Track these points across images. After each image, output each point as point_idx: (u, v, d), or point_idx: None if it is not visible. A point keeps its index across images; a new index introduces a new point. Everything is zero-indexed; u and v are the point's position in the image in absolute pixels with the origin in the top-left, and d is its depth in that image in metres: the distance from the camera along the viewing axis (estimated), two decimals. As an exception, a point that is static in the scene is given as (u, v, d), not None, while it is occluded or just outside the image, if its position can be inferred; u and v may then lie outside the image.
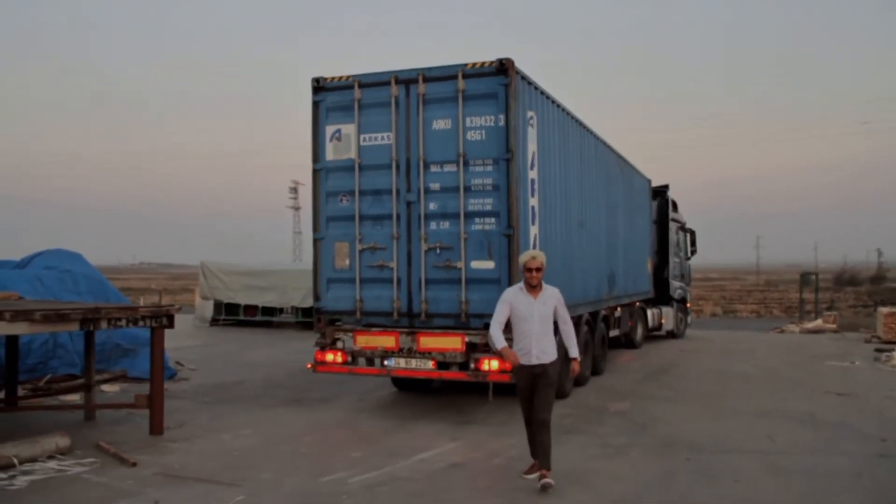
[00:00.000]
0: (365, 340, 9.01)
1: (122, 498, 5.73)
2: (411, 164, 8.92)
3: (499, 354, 6.70)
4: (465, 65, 8.70)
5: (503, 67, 8.52)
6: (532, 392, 6.24)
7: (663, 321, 18.74)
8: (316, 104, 9.30)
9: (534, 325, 6.19)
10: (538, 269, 6.28)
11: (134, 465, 6.60)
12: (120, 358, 11.65)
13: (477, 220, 8.66)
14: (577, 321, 10.85)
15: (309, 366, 9.43)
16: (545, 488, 5.96)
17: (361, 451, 7.28)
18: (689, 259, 21.28)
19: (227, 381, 11.82)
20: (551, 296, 6.37)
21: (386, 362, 8.91)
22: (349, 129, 9.16)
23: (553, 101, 10.22)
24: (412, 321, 8.83)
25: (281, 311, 23.06)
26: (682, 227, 20.61)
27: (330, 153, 9.27)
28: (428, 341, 8.64)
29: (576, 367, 6.70)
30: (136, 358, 12.07)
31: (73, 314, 6.79)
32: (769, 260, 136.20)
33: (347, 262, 9.15)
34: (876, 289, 52.59)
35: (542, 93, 9.76)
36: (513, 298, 6.33)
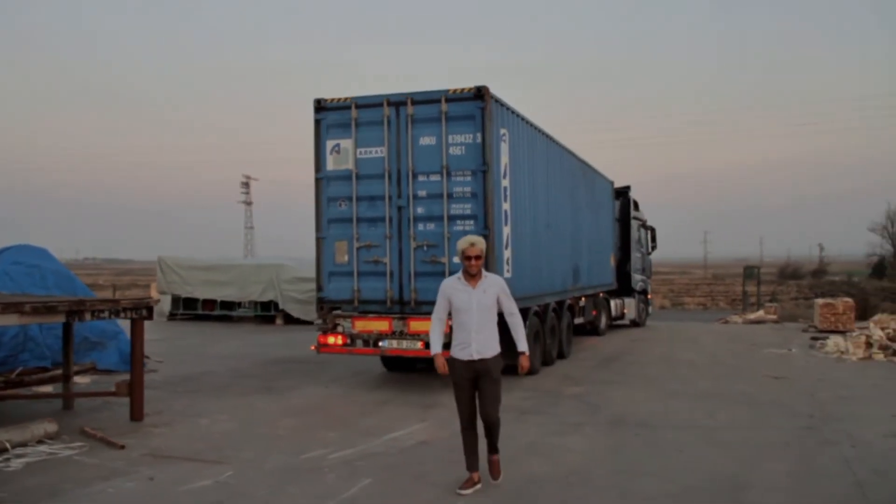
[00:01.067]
0: (362, 325, 10.29)
1: (117, 476, 6.13)
2: (402, 174, 10.23)
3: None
4: (448, 90, 10.06)
5: (480, 93, 9.91)
6: (473, 390, 5.79)
7: (626, 311, 20.21)
8: (318, 121, 10.59)
9: (472, 316, 5.71)
10: (477, 257, 5.77)
11: (122, 447, 7.00)
12: (88, 351, 11.87)
13: (458, 222, 10.01)
14: (544, 310, 12.39)
15: (312, 347, 10.67)
16: (495, 473, 5.90)
17: (336, 432, 7.78)
18: (649, 254, 22.80)
19: (196, 373, 12.15)
20: (492, 284, 5.87)
21: (380, 343, 10.20)
22: (347, 143, 10.47)
23: (522, 119, 11.55)
24: (403, 308, 10.16)
25: (239, 305, 23.26)
26: (643, 225, 22.09)
27: (330, 164, 10.55)
28: (417, 325, 9.91)
29: (524, 361, 6.00)
30: (104, 351, 12.32)
31: (60, 306, 7.15)
32: (717, 255, 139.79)
33: (346, 257, 10.46)
34: (817, 282, 54.61)
35: (513, 112, 11.08)
36: (450, 290, 5.85)
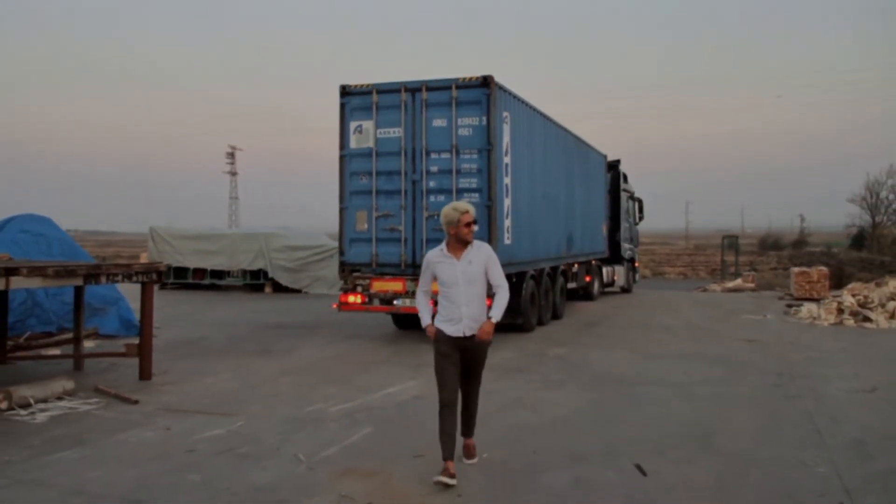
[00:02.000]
0: (379, 285, 11.44)
1: (135, 427, 6.60)
2: (416, 152, 11.44)
3: None
4: (458, 78, 11.27)
5: (486, 81, 11.10)
6: (458, 367, 5.31)
7: (616, 278, 21.40)
8: (343, 105, 11.82)
9: (459, 289, 5.25)
10: (472, 224, 5.35)
11: (136, 402, 7.46)
12: (90, 317, 12.24)
13: (465, 194, 11.08)
14: (539, 274, 13.82)
15: (335, 306, 11.99)
16: (470, 457, 5.61)
17: (334, 388, 8.28)
18: (637, 224, 23.91)
19: (194, 338, 12.59)
20: (479, 254, 5.37)
21: (395, 302, 11.39)
22: (368, 124, 11.66)
23: (523, 102, 12.71)
24: (416, 270, 10.58)
25: (228, 274, 23.63)
26: (632, 196, 23.21)
27: (353, 143, 11.74)
28: None
29: (487, 326, 5.28)
30: (105, 317, 12.73)
31: (79, 269, 7.57)
32: (698, 225, 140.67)
33: (366, 225, 11.65)
34: (796, 252, 55.43)
35: (515, 97, 12.24)
36: (434, 263, 5.41)
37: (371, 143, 11.55)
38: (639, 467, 5.45)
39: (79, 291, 9.32)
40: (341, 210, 11.86)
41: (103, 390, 7.90)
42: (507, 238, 11.70)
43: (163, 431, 6.45)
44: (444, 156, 11.29)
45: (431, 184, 11.32)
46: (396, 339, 12.27)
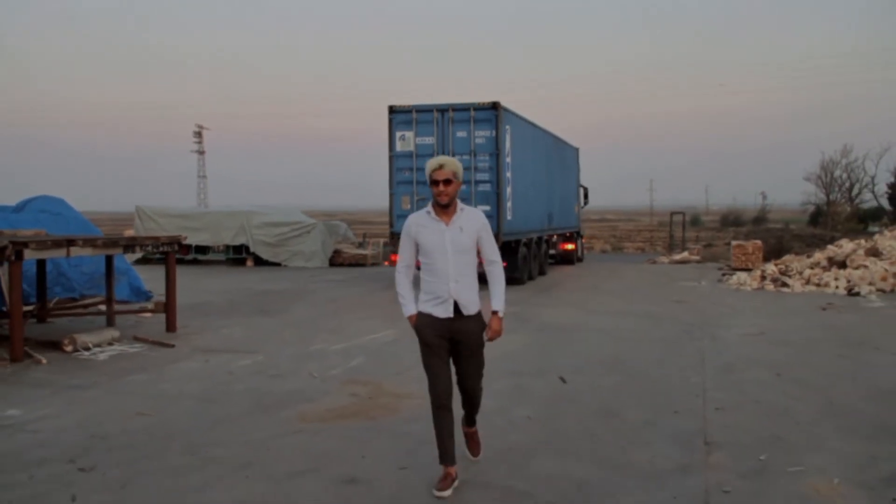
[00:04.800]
0: None
1: (180, 361, 8.50)
2: (445, 154, 16.31)
3: None
4: (475, 103, 16.09)
5: (495, 106, 16.01)
6: (448, 356, 4.55)
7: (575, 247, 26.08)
8: (390, 119, 16.38)
9: (447, 260, 4.42)
10: (446, 182, 4.46)
11: (172, 346, 9.34)
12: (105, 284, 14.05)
13: (480, 185, 16.10)
14: (529, 242, 18.49)
15: (386, 263, 16.15)
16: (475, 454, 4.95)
17: (329, 335, 10.23)
18: (583, 208, 28.25)
19: (197, 302, 14.40)
20: (473, 220, 4.55)
21: None
22: (409, 134, 16.25)
23: (518, 117, 17.64)
24: None
25: (210, 249, 25.33)
26: (580, 185, 27.36)
27: (398, 147, 16.27)
28: None
29: (495, 324, 4.58)
30: (118, 285, 14.45)
31: (120, 241, 9.42)
32: (663, 202, 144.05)
33: (409, 206, 15.81)
34: (755, 229, 58.06)
35: (514, 114, 17.22)
36: (415, 227, 4.56)
37: (411, 147, 16.02)
38: (561, 378, 7.50)
39: (109, 260, 11.09)
40: (391, 195, 16.29)
41: (142, 338, 9.76)
42: (509, 215, 16.46)
43: (203, 363, 8.37)
44: (465, 157, 15.81)
45: None
46: (375, 301, 14.23)
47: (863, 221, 51.62)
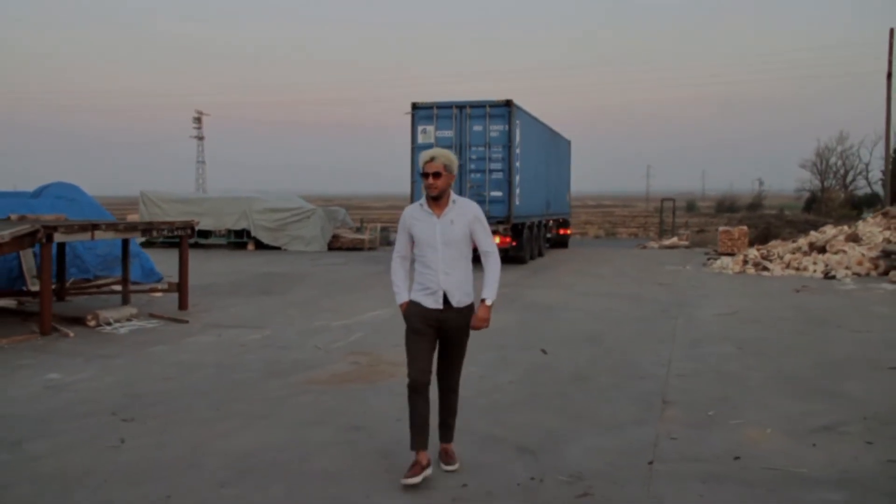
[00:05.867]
0: None
1: (194, 335, 9.28)
2: (462, 146, 18.24)
3: None
4: (490, 101, 18.34)
5: (508, 103, 18.27)
6: (433, 343, 4.55)
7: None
8: (413, 115, 18.41)
9: (437, 252, 4.48)
10: (436, 175, 4.49)
11: (186, 322, 10.12)
12: (117, 266, 14.72)
13: (493, 173, 18.31)
14: (531, 225, 20.57)
15: None
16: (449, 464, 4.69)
17: (330, 313, 11.02)
18: None
19: (204, 284, 15.12)
20: (465, 212, 4.59)
21: None
22: (430, 128, 18.24)
23: (527, 113, 19.93)
24: None
25: (212, 233, 26.08)
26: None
27: (420, 139, 18.13)
28: None
29: (483, 312, 4.55)
30: (131, 266, 15.27)
31: (139, 225, 10.18)
32: (660, 188, 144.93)
33: None
34: (749, 215, 58.82)
35: (524, 111, 19.50)
36: (410, 219, 4.63)
37: (432, 140, 17.60)
38: (543, 350, 8.31)
39: (125, 243, 11.84)
40: (412, 182, 17.95)
41: (157, 315, 10.54)
42: (517, 200, 18.70)
43: (216, 337, 9.15)
44: (480, 149, 18.25)
45: (472, 167, 18.26)
46: (373, 282, 15.02)
47: (856, 208, 52.46)
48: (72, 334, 9.11)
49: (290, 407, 6.03)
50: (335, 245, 25.11)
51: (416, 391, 4.47)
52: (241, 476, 4.50)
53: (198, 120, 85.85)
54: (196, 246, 25.75)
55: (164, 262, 17.01)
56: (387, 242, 27.13)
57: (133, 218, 30.34)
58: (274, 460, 4.77)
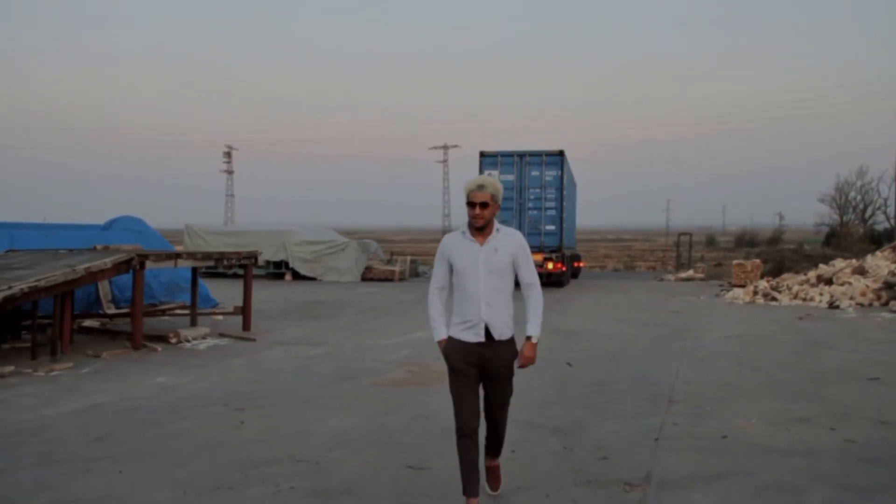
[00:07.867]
0: None
1: (264, 350, 10.69)
2: (521, 188, 22.98)
3: None
4: (546, 151, 22.93)
5: (561, 153, 22.92)
6: (478, 383, 4.41)
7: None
8: (480, 161, 23.04)
9: (479, 282, 4.30)
10: (483, 205, 4.32)
11: (254, 340, 11.55)
12: (179, 293, 16.28)
13: (548, 210, 22.89)
14: (569, 256, 25.21)
15: None
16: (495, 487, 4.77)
17: (377, 333, 12.42)
18: None
19: (255, 310, 16.55)
20: (509, 242, 4.43)
21: None
22: (495, 172, 22.45)
23: (567, 161, 23.57)
24: None
25: (252, 264, 27.68)
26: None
27: None
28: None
29: (528, 350, 4.49)
30: (188, 293, 16.80)
31: (213, 254, 11.65)
32: (679, 222, 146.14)
33: None
34: (768, 249, 59.63)
35: (566, 160, 23.32)
36: (450, 247, 4.46)
37: None
38: (568, 363, 9.65)
39: (194, 271, 13.34)
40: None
41: (227, 334, 11.98)
42: (564, 235, 22.92)
43: (284, 352, 10.57)
44: (536, 191, 22.79)
45: (529, 205, 22.88)
46: (409, 309, 16.41)
47: (875, 242, 53.07)
48: (159, 349, 10.57)
49: (364, 402, 7.41)
50: (367, 276, 26.61)
51: (466, 436, 4.29)
52: (343, 444, 5.89)
53: (227, 154, 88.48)
54: (236, 276, 27.39)
55: (216, 290, 18.57)
56: (416, 274, 28.59)
57: (178, 249, 32.14)
58: (364, 436, 6.15)
